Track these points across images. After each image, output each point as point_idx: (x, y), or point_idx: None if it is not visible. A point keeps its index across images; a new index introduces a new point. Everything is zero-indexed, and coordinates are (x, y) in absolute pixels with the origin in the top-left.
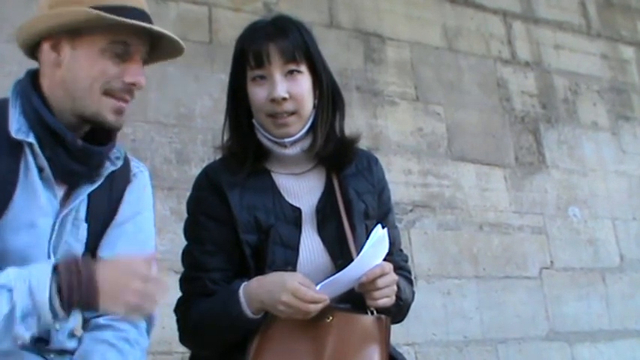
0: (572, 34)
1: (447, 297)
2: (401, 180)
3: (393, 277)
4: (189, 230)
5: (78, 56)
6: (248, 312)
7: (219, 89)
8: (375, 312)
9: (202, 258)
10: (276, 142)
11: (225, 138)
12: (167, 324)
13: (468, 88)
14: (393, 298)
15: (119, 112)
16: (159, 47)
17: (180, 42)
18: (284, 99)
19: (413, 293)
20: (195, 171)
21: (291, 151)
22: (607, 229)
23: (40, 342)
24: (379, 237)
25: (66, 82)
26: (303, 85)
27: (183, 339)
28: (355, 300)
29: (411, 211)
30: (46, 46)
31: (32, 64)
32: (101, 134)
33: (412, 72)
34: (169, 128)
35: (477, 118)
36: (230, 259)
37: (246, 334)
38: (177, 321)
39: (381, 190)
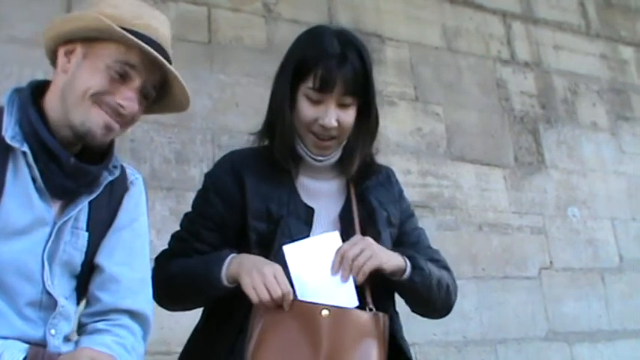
0: (572, 34)
1: None
2: (400, 180)
3: (354, 249)
4: (198, 202)
5: (84, 65)
6: (223, 277)
7: (218, 89)
8: (373, 309)
9: (200, 229)
10: (309, 155)
11: (264, 134)
12: (166, 324)
13: (467, 88)
14: (374, 262)
15: (108, 128)
16: (166, 97)
17: (187, 91)
18: (333, 127)
19: (451, 282)
20: (195, 171)
21: (321, 163)
22: (606, 230)
23: (37, 347)
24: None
25: (65, 88)
26: (352, 116)
27: (156, 291)
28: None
29: None
30: (61, 51)
31: (32, 65)
32: (95, 151)
33: (411, 72)
34: (168, 128)
35: (476, 118)
36: (224, 241)
37: (210, 299)
38: (154, 269)
39: (401, 199)
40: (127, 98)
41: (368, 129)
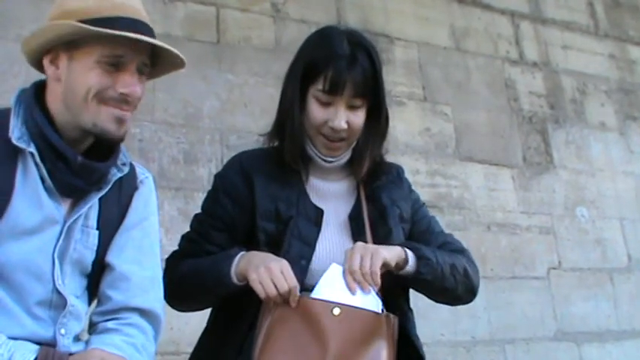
0: (580, 34)
1: None
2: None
3: (354, 260)
4: (207, 203)
5: (74, 68)
6: (233, 275)
7: (226, 89)
8: (383, 310)
9: (210, 230)
10: (320, 156)
11: (274, 135)
12: (175, 325)
13: (475, 88)
14: (378, 258)
15: (119, 120)
16: (161, 58)
17: (176, 51)
18: (342, 129)
19: (469, 263)
20: (203, 171)
21: (331, 164)
22: (615, 230)
23: (47, 347)
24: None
25: (65, 95)
26: (361, 117)
27: (167, 292)
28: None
29: None
30: (46, 61)
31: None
32: (103, 148)
33: (420, 72)
34: (177, 128)
35: (484, 118)
36: (233, 242)
37: (219, 298)
38: (164, 271)
39: (411, 193)
40: (128, 85)
41: (378, 130)
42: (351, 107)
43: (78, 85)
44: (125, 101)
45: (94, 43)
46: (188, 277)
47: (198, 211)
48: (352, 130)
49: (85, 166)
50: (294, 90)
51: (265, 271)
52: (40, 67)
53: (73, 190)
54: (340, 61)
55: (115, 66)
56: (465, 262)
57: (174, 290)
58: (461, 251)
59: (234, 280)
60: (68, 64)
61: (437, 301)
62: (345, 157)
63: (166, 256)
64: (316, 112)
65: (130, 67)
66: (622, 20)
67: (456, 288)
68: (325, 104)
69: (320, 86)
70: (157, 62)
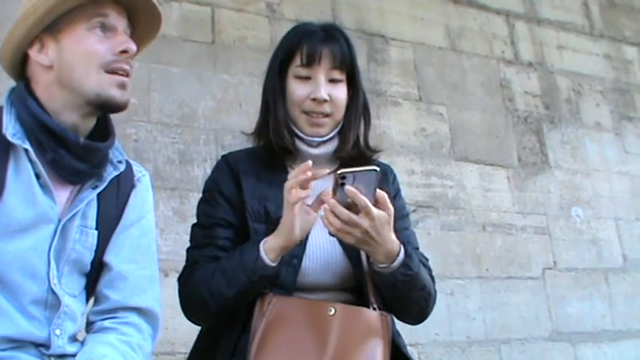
0: (575, 34)
1: (450, 297)
2: (404, 180)
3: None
4: (202, 206)
5: (65, 46)
6: (266, 258)
7: (222, 89)
8: (377, 308)
9: (214, 228)
10: (305, 141)
11: (258, 133)
12: (170, 325)
13: (471, 88)
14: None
15: (122, 86)
16: (138, 25)
17: (156, 4)
18: (325, 100)
19: (435, 292)
20: (198, 171)
21: (318, 151)
22: (610, 230)
23: (41, 347)
24: None
25: (62, 76)
26: (343, 92)
27: (187, 304)
28: (357, 294)
29: (414, 211)
30: (32, 53)
31: None
32: (100, 133)
33: (415, 72)
34: (172, 128)
35: (480, 118)
36: (238, 236)
37: (257, 288)
38: (181, 287)
39: (397, 198)
40: (123, 42)
41: (356, 107)
42: (332, 81)
43: (76, 58)
44: (125, 61)
45: (78, 14)
46: (211, 284)
47: (194, 211)
48: (335, 105)
49: (87, 147)
50: (273, 80)
51: (290, 183)
52: (18, 72)
53: (78, 176)
54: (314, 36)
55: (105, 31)
56: (432, 289)
57: (196, 300)
58: (432, 277)
59: (267, 260)
60: (57, 45)
61: (385, 306)
62: (332, 144)
63: (164, 259)
64: (297, 89)
65: (119, 29)
66: (617, 20)
67: (414, 304)
68: (305, 79)
69: (298, 62)
70: (135, 32)
